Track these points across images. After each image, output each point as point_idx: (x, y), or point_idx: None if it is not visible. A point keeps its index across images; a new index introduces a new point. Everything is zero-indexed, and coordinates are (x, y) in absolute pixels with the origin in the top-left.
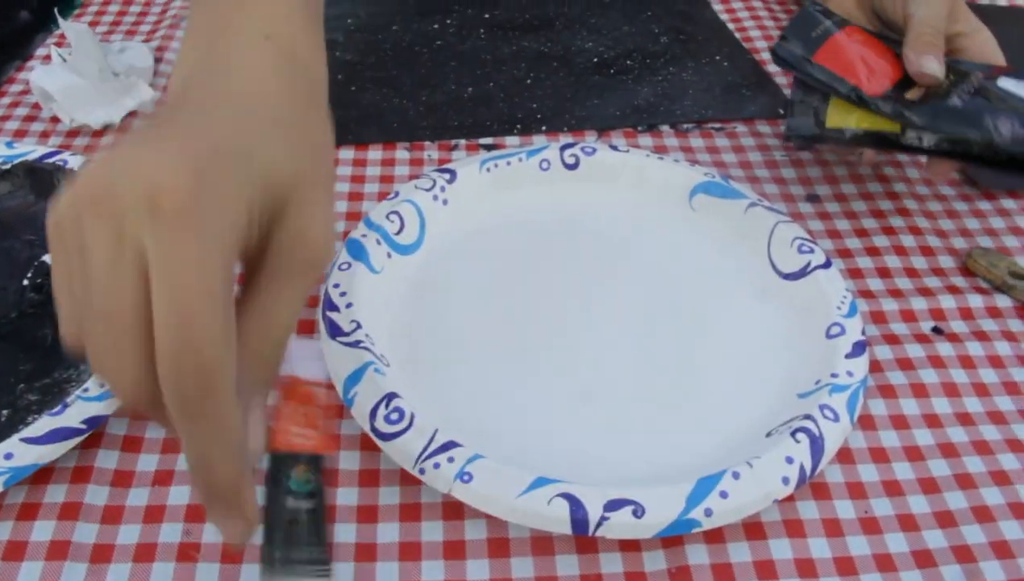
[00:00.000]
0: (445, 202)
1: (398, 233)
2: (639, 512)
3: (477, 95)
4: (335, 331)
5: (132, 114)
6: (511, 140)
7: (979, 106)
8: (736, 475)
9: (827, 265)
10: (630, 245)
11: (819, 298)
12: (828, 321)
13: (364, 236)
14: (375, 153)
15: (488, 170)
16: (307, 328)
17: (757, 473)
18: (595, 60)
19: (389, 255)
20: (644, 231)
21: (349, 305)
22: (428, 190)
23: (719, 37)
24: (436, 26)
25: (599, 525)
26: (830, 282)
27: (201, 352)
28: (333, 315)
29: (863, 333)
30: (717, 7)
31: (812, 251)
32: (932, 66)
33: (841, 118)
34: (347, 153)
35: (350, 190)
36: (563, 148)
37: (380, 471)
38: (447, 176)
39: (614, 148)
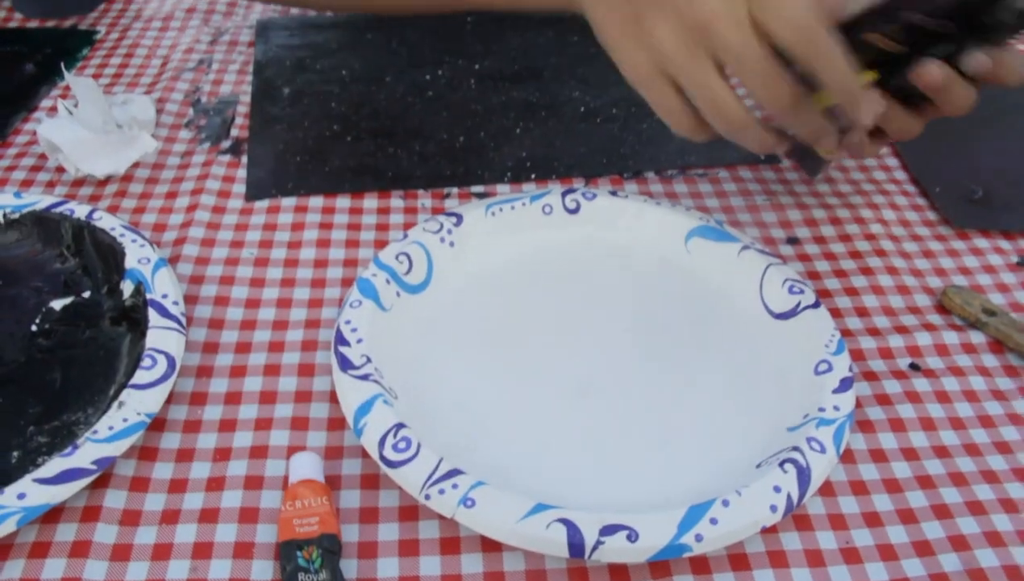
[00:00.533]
0: (452, 244)
1: (407, 273)
2: (633, 537)
3: (468, 144)
4: (346, 365)
5: (136, 165)
6: (502, 188)
7: None
8: (726, 503)
9: (816, 305)
10: (628, 285)
11: (808, 336)
12: (817, 358)
13: (374, 275)
14: (371, 202)
15: (493, 214)
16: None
17: (746, 501)
18: (582, 109)
19: (398, 294)
20: (641, 272)
21: (360, 340)
22: (436, 233)
23: None
24: (428, 77)
25: (595, 549)
26: (819, 321)
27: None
28: (344, 350)
29: (850, 370)
30: None
31: (802, 292)
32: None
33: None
34: (344, 202)
35: (347, 238)
36: (565, 193)
37: (379, 508)
38: (454, 219)
39: (613, 193)
